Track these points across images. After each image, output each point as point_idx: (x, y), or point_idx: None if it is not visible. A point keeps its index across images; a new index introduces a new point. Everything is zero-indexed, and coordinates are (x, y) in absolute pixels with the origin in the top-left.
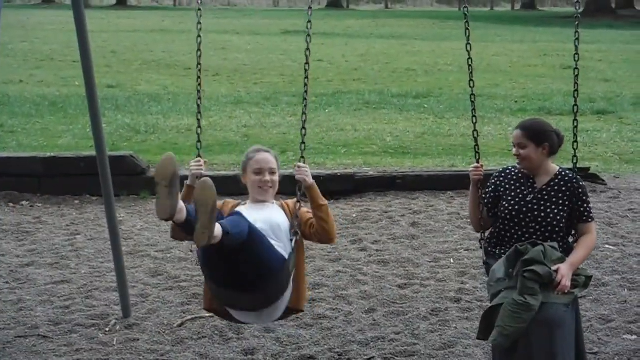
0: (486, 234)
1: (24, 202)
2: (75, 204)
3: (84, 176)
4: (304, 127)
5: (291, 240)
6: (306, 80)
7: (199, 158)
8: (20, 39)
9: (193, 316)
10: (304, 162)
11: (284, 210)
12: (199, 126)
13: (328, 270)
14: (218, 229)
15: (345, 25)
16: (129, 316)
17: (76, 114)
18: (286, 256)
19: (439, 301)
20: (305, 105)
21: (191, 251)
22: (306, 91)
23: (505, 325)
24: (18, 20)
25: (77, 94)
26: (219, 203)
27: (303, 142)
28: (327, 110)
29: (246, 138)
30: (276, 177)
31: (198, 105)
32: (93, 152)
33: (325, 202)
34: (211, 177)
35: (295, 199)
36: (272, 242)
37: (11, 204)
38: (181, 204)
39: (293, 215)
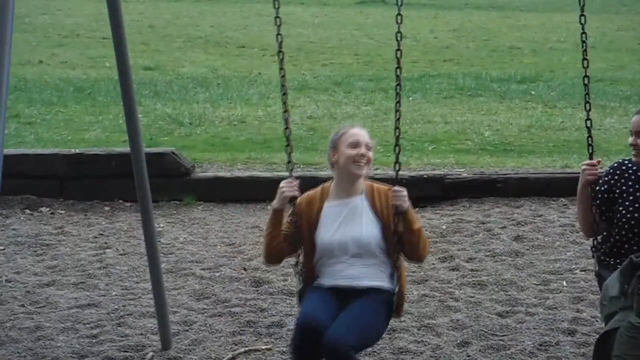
0: (599, 240)
1: (43, 209)
2: (105, 211)
3: (115, 177)
4: (397, 127)
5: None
6: (398, 67)
7: (290, 179)
8: (40, 11)
9: (246, 349)
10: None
11: (372, 204)
12: (287, 132)
13: (411, 293)
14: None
15: None
16: (169, 348)
17: (106, 102)
18: (386, 285)
19: (549, 333)
20: (399, 100)
21: (245, 269)
22: (398, 77)
23: (623, 353)
24: None
25: (108, 78)
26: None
27: (397, 145)
28: (411, 98)
29: (312, 132)
30: (371, 154)
31: (284, 103)
32: (127, 149)
33: (419, 225)
34: (270, 178)
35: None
36: (368, 282)
37: (28, 211)
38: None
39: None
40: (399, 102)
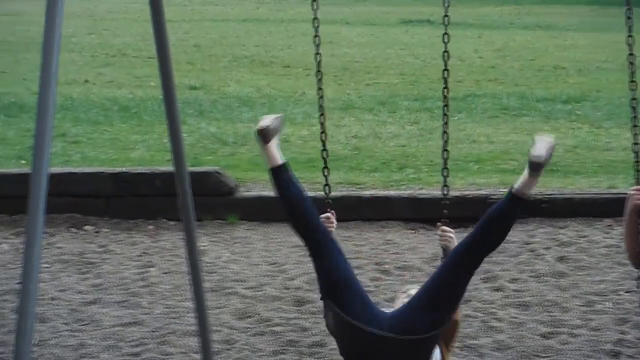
0: None
1: (88, 227)
2: (149, 230)
3: (159, 196)
4: (445, 149)
5: None
6: (445, 89)
7: (328, 214)
8: (87, 31)
9: None
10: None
11: None
12: (324, 153)
13: None
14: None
15: (480, 13)
16: None
17: (152, 121)
18: None
19: (593, 355)
20: (446, 121)
21: (287, 289)
22: (446, 97)
23: None
24: (84, 8)
25: (153, 97)
26: None
27: (446, 173)
28: (456, 117)
29: (357, 151)
30: None
31: (321, 124)
32: (171, 168)
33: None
34: (311, 197)
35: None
36: None
37: (73, 229)
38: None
39: None
40: (446, 123)
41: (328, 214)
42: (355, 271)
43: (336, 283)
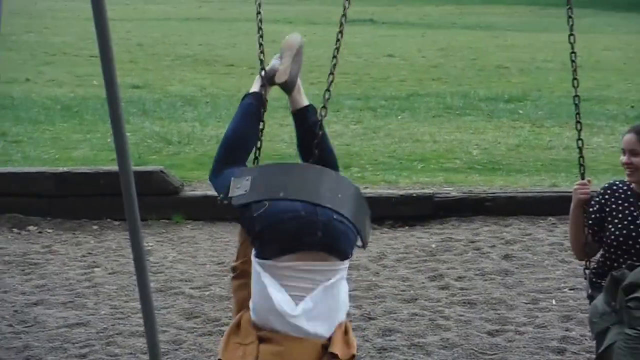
0: (592, 263)
1: (31, 228)
2: (93, 230)
3: (103, 196)
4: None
5: None
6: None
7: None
8: (26, 29)
9: None
10: None
11: None
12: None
13: (401, 312)
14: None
15: (422, 13)
16: None
17: (94, 120)
18: None
19: (539, 352)
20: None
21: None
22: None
23: None
24: (23, 6)
25: (96, 96)
26: None
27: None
28: (399, 117)
29: None
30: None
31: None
32: (115, 167)
33: None
34: None
35: None
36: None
37: (16, 230)
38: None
39: None
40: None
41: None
42: None
43: None
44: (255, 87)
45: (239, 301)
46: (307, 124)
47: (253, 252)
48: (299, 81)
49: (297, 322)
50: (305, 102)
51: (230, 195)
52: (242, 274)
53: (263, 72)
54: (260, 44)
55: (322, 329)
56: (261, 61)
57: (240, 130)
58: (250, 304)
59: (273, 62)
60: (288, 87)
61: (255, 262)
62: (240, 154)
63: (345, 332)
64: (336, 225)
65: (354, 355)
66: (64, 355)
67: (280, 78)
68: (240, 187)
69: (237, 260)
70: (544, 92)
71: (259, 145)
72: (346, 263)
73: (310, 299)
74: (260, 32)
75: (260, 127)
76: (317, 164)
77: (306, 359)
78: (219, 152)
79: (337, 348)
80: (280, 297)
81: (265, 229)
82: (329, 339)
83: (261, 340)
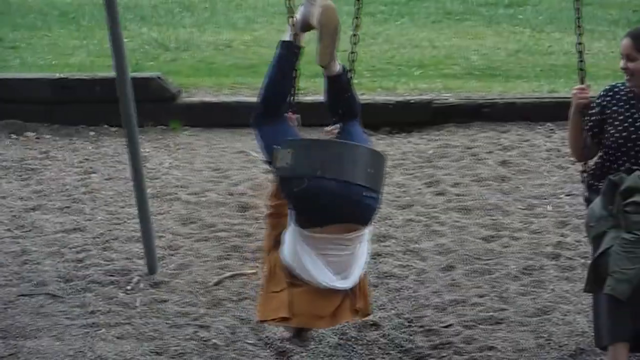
0: (589, 165)
1: (28, 134)
2: (90, 136)
3: (100, 102)
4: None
5: None
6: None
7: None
8: None
9: (232, 273)
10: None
11: None
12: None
13: (397, 218)
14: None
15: None
16: (155, 272)
17: (91, 26)
18: None
19: (534, 257)
20: None
21: (230, 194)
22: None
23: (622, 269)
24: None
25: (92, 2)
26: None
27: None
28: (398, 22)
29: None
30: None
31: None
32: (112, 73)
33: None
34: (255, 103)
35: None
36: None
37: (14, 136)
38: None
39: None
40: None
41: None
42: None
43: None
44: (286, 36)
45: (271, 236)
46: (338, 86)
47: (291, 214)
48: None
49: (328, 284)
50: (337, 66)
51: (275, 166)
52: (276, 213)
53: (293, 19)
54: None
55: (349, 283)
56: (289, 9)
57: (275, 84)
58: (284, 251)
59: (302, 9)
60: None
61: (292, 225)
62: (277, 105)
63: (363, 284)
64: (366, 200)
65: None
66: (61, 260)
67: (323, 61)
68: (283, 159)
69: (272, 200)
70: None
71: (293, 92)
72: (370, 227)
73: (341, 265)
74: None
75: (294, 75)
76: (344, 114)
77: (333, 305)
78: (259, 105)
79: (360, 303)
80: (313, 267)
81: (302, 204)
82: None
83: (292, 285)
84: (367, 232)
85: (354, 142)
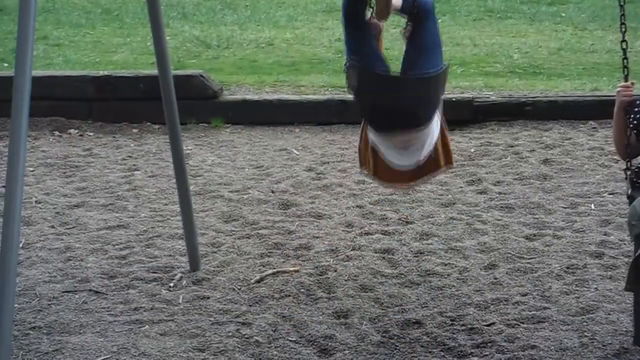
0: (633, 163)
1: (72, 131)
2: (133, 134)
3: (143, 100)
4: None
5: None
6: None
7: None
8: None
9: (274, 270)
10: None
11: None
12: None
13: (439, 216)
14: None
15: None
16: (198, 269)
17: (134, 24)
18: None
19: (576, 256)
20: None
21: (272, 192)
22: None
23: None
24: None
25: (136, 0)
26: None
27: None
28: (440, 20)
29: (339, 54)
30: None
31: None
32: (154, 71)
33: None
34: (298, 101)
35: None
36: None
37: (57, 133)
38: None
39: None
40: None
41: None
42: (340, 174)
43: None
44: None
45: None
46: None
47: None
48: None
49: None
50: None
51: (348, 84)
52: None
53: None
54: None
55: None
56: None
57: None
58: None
59: None
60: None
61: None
62: (355, 10)
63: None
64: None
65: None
66: (104, 257)
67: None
68: (351, 79)
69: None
70: None
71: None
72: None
73: (413, 154)
74: None
75: None
76: (417, 15)
77: (409, 174)
78: (341, 14)
79: (442, 160)
80: (389, 153)
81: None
82: None
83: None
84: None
85: (424, 44)
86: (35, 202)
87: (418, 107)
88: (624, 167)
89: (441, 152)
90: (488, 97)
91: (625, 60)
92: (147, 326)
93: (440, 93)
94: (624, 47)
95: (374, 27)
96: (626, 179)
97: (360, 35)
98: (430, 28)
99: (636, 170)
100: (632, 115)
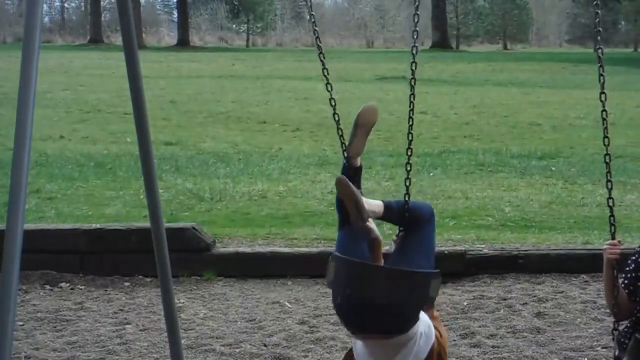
0: (622, 323)
1: (63, 284)
2: (125, 287)
3: (135, 253)
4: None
5: None
6: (410, 135)
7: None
8: (62, 87)
9: None
10: None
11: None
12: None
13: None
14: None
15: (454, 70)
16: None
17: (127, 177)
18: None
19: None
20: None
21: (265, 345)
22: (409, 148)
23: None
24: (59, 64)
25: (129, 153)
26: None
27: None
28: (431, 174)
29: (332, 207)
30: None
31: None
32: (147, 224)
33: None
34: (290, 254)
35: None
36: None
37: (48, 286)
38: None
39: None
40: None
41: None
42: (333, 327)
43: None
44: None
45: None
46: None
47: None
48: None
49: None
50: (378, 203)
51: (327, 279)
52: None
53: None
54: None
55: None
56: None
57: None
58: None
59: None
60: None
61: None
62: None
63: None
64: (392, 314)
65: None
66: None
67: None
68: (329, 272)
69: None
70: (577, 149)
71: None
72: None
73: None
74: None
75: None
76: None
77: None
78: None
79: None
80: None
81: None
82: None
83: None
84: (413, 334)
85: (412, 247)
86: (25, 357)
87: (389, 306)
88: (612, 327)
89: None
90: (480, 250)
91: (611, 218)
92: None
93: (421, 301)
94: (611, 204)
95: (365, 232)
96: (613, 339)
97: (347, 234)
98: (425, 236)
99: (624, 331)
100: (623, 275)
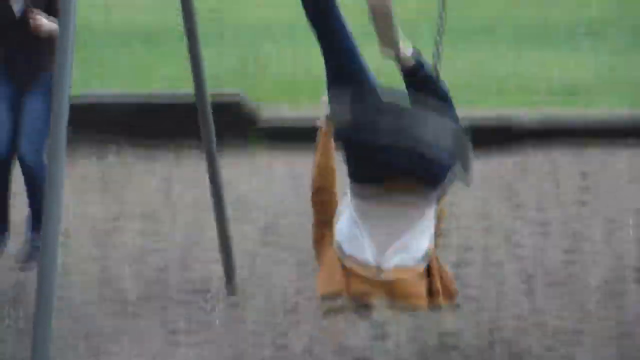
0: None
1: (110, 154)
2: (170, 157)
3: (180, 122)
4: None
5: None
6: None
7: None
8: None
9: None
10: None
11: None
12: None
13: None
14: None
15: None
16: (235, 294)
17: (172, 48)
18: None
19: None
20: None
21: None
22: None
23: None
24: None
25: (174, 22)
26: None
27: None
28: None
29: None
30: None
31: None
32: (192, 93)
33: None
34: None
35: None
36: None
37: (95, 156)
38: None
39: None
40: None
41: None
42: None
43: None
44: None
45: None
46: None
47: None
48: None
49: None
50: (408, 50)
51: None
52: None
53: None
54: None
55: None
56: None
57: None
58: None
59: None
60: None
61: (347, 193)
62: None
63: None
64: (434, 155)
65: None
66: (142, 279)
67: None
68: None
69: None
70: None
71: None
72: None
73: (391, 239)
74: None
75: None
76: None
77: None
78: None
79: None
80: (369, 249)
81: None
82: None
83: (348, 274)
84: (433, 207)
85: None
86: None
87: (429, 146)
88: None
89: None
90: (525, 119)
91: None
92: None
93: (459, 156)
94: None
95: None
96: None
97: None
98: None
99: None
100: None
